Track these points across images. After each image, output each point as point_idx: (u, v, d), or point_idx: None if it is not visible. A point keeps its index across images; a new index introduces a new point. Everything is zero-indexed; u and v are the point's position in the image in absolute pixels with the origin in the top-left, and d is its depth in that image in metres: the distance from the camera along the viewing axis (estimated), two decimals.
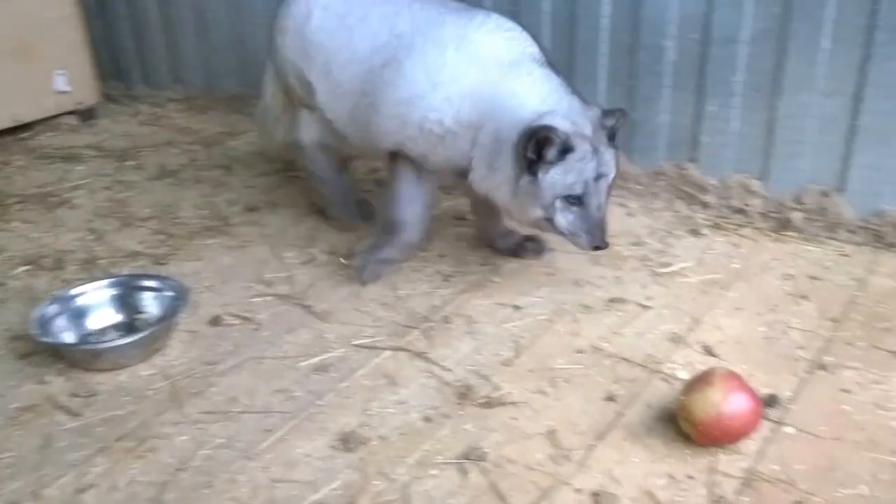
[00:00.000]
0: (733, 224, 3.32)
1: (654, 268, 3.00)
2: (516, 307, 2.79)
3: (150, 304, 2.75)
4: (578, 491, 1.97)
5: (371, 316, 2.76)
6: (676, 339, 2.57)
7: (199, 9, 4.77)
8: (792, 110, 3.10)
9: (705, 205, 3.43)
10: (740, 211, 3.35)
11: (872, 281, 2.88)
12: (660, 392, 2.32)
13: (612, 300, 2.78)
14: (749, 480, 1.99)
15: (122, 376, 2.48)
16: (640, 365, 2.45)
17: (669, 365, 2.45)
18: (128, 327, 2.71)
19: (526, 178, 2.53)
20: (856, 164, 3.06)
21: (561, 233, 2.62)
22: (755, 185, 3.30)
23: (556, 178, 2.50)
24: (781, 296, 2.81)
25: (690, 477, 2.01)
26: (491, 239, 3.18)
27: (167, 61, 5.10)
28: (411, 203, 2.88)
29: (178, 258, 3.19)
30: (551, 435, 2.17)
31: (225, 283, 3.01)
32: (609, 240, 2.60)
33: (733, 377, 2.09)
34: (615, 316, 2.71)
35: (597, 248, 2.59)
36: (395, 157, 2.84)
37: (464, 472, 2.05)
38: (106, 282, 2.81)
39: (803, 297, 2.80)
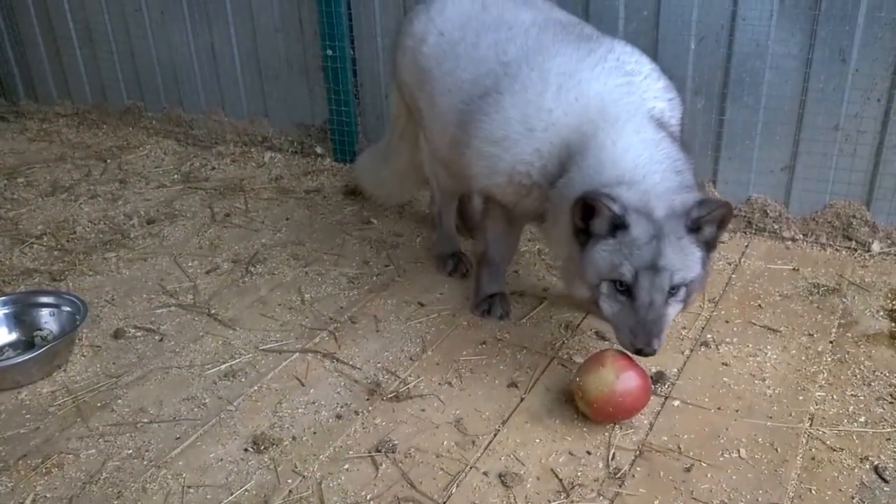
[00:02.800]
0: None
1: (548, 261, 3.14)
2: (420, 304, 2.87)
3: (49, 321, 2.71)
4: (486, 474, 2.07)
5: (278, 321, 2.79)
6: (571, 327, 2.71)
7: (84, 21, 4.65)
8: None
9: None
10: None
11: (745, 264, 3.11)
12: (557, 376, 2.45)
13: (512, 293, 2.89)
14: (642, 451, 2.14)
15: (23, 394, 2.44)
16: (538, 352, 2.58)
17: (566, 350, 2.58)
18: (27, 345, 2.65)
19: (574, 249, 2.22)
20: (724, 156, 3.28)
21: (607, 321, 2.28)
22: None
23: (602, 255, 2.14)
24: None
25: (589, 452, 2.15)
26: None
27: (53, 76, 4.95)
28: (497, 242, 2.74)
29: (76, 274, 3.13)
30: (458, 423, 2.26)
31: (126, 295, 2.97)
32: (657, 346, 2.14)
33: (624, 357, 2.22)
34: (515, 307, 2.82)
35: (639, 351, 2.16)
36: (487, 199, 2.66)
37: (376, 464, 2.12)
38: None
39: None
